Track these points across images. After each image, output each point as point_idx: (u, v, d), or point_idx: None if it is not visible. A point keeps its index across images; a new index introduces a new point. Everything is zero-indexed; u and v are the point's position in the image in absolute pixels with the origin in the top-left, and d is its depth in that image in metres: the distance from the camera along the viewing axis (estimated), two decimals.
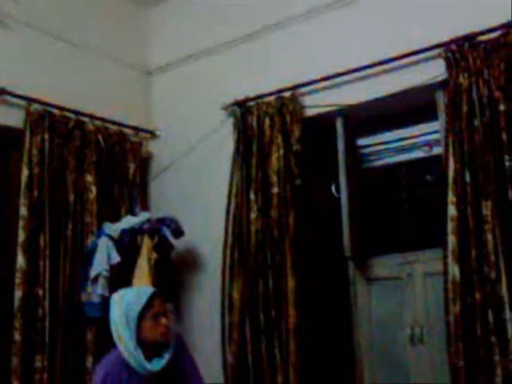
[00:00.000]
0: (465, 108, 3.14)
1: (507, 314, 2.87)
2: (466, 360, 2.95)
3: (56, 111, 3.79)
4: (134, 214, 4.05)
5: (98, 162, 3.97)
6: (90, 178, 3.89)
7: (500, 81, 3.06)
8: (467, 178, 3.07)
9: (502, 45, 3.09)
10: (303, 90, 3.77)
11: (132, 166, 4.22)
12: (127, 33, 4.49)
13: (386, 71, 3.49)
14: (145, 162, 4.41)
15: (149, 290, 2.68)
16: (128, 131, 4.28)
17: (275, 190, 3.71)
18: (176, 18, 4.49)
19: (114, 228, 3.77)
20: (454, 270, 3.03)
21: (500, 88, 3.06)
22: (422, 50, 3.34)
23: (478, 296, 2.96)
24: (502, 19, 3.10)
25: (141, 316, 2.56)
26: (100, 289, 3.58)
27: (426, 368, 3.48)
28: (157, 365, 2.57)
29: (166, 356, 2.60)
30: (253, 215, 3.74)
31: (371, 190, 3.89)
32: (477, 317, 2.95)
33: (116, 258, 3.67)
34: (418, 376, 3.51)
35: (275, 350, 3.54)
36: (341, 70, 3.60)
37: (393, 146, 3.83)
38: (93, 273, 3.60)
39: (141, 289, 2.82)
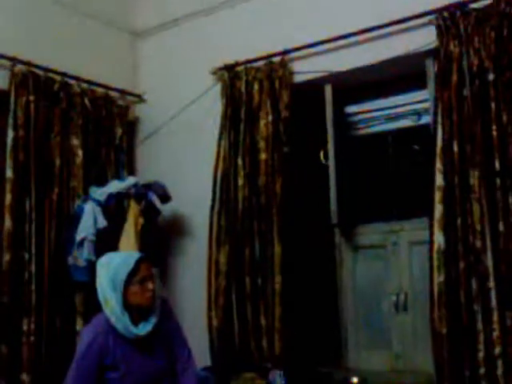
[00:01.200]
0: (454, 77, 3.13)
1: (491, 283, 2.91)
2: (449, 327, 3.00)
3: (41, 72, 3.72)
4: (120, 178, 4.02)
5: (85, 125, 3.92)
6: (76, 142, 3.85)
7: (491, 50, 3.05)
8: (455, 147, 3.07)
9: (493, 13, 3.07)
10: (293, 55, 3.73)
11: (119, 130, 4.18)
12: None
13: (376, 38, 3.46)
14: (132, 126, 4.36)
15: (135, 254, 2.69)
16: (115, 94, 4.22)
17: (263, 156, 3.70)
18: None
19: (100, 192, 3.75)
20: (439, 238, 3.05)
21: (490, 57, 3.04)
22: (413, 17, 3.31)
23: (462, 265, 2.99)
24: None
25: (127, 281, 2.57)
26: (86, 253, 3.58)
27: (409, 335, 3.54)
28: (143, 329, 2.59)
29: (152, 320, 2.62)
30: (240, 181, 3.74)
31: (359, 157, 3.89)
32: (460, 285, 2.98)
33: (102, 223, 3.66)
34: (401, 342, 3.57)
35: (260, 315, 3.58)
36: (331, 36, 3.56)
37: (381, 114, 3.81)
38: (79, 237, 3.60)
39: (127, 253, 2.83)
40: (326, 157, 3.77)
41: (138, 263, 2.60)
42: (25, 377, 3.38)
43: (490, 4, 3.09)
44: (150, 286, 2.60)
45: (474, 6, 3.14)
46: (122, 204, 3.84)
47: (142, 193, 3.83)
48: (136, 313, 2.59)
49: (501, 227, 2.91)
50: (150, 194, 3.84)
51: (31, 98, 3.62)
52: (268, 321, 3.56)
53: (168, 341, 2.72)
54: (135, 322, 2.58)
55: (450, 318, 3.00)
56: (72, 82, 3.90)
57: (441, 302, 3.02)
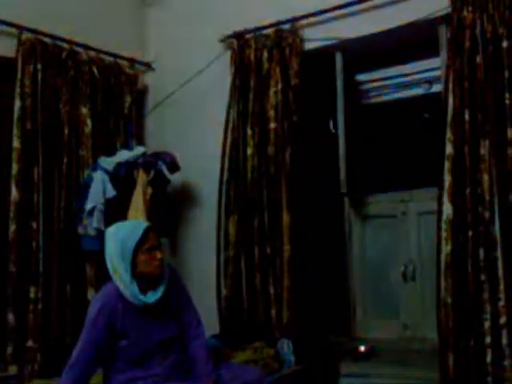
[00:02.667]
0: (467, 44, 3.07)
1: (498, 253, 2.89)
2: (455, 297, 2.99)
3: (49, 40, 3.69)
4: (129, 147, 4.01)
5: (93, 94, 3.90)
6: (84, 111, 3.83)
7: (505, 16, 2.98)
8: (466, 116, 3.03)
9: None
10: (302, 22, 3.67)
11: (128, 99, 4.15)
12: None
13: (387, 4, 3.40)
14: (141, 95, 4.34)
15: (143, 224, 2.69)
16: (123, 63, 4.19)
17: (272, 125, 3.67)
18: None
19: (109, 161, 3.74)
20: (448, 208, 3.03)
21: (504, 23, 2.97)
22: None
23: (470, 235, 2.97)
24: None
25: (136, 250, 2.58)
26: (95, 222, 3.59)
27: (417, 304, 3.54)
28: (151, 297, 2.61)
29: (161, 289, 2.63)
30: (249, 151, 3.72)
31: (369, 126, 3.85)
32: (468, 255, 2.97)
33: (111, 192, 3.66)
34: (409, 312, 3.57)
35: (269, 284, 3.59)
36: (341, 3, 3.50)
37: (392, 83, 3.77)
38: (88, 206, 3.60)
39: (135, 223, 2.83)
40: (336, 126, 3.74)
41: (145, 232, 2.61)
42: (31, 343, 3.42)
43: None
44: (158, 254, 2.61)
45: None
46: (131, 173, 3.83)
47: (150, 162, 3.82)
48: (145, 281, 2.60)
49: (510, 198, 2.88)
50: (159, 164, 3.83)
51: (38, 66, 3.59)
52: (276, 290, 3.57)
53: (177, 309, 2.74)
54: (144, 291, 2.60)
55: (456, 288, 2.99)
56: (80, 50, 3.87)
57: (448, 271, 3.01)
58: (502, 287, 2.87)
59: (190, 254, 4.10)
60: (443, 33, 3.29)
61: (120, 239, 2.59)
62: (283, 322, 3.53)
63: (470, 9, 3.08)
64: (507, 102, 2.94)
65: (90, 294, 3.66)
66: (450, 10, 3.17)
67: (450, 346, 2.98)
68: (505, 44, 2.97)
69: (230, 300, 3.71)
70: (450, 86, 3.10)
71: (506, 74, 2.96)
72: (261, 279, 3.62)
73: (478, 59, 3.03)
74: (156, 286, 2.63)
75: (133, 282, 2.57)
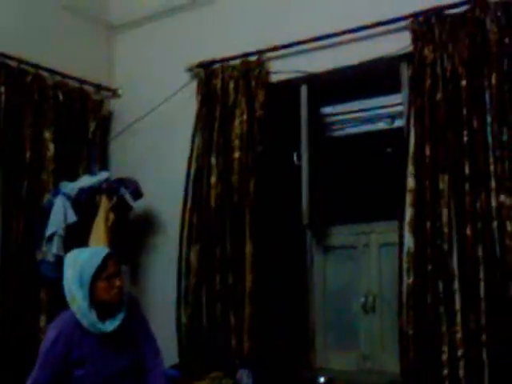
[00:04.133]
0: (428, 82, 3.16)
1: (456, 285, 2.94)
2: (416, 329, 3.03)
3: (14, 63, 3.67)
4: (92, 173, 3.98)
5: (57, 118, 3.88)
6: (47, 135, 3.80)
7: (464, 56, 3.08)
8: (427, 151, 3.10)
9: (468, 20, 3.10)
10: (269, 55, 3.73)
11: (92, 125, 4.14)
12: None
13: (352, 40, 3.47)
14: (106, 121, 4.32)
15: (103, 250, 2.66)
16: (89, 88, 4.19)
17: (237, 155, 3.69)
18: None
19: (71, 187, 3.71)
20: (409, 241, 3.09)
21: (463, 63, 3.08)
22: (389, 21, 3.33)
23: (430, 267, 3.02)
24: None
25: (95, 277, 2.54)
26: (55, 248, 3.54)
27: (377, 336, 3.56)
28: (109, 325, 2.57)
29: (119, 317, 2.60)
30: (213, 180, 3.73)
31: (332, 159, 3.90)
32: (428, 287, 3.01)
33: (72, 218, 3.62)
34: (369, 343, 3.59)
35: (230, 313, 3.58)
36: (308, 37, 3.57)
37: (356, 116, 3.84)
38: (48, 232, 3.55)
39: (95, 249, 2.80)
40: (300, 157, 3.78)
41: (105, 259, 2.58)
42: None
43: (465, 11, 3.13)
44: (117, 282, 2.58)
45: (449, 12, 3.18)
46: (94, 199, 3.80)
47: (113, 188, 3.80)
48: (103, 309, 2.56)
49: (468, 231, 2.94)
50: (122, 190, 3.81)
51: (2, 89, 3.57)
52: (237, 320, 3.55)
53: (136, 338, 2.71)
54: (102, 319, 2.56)
55: (416, 320, 3.02)
56: (45, 74, 3.85)
57: (409, 303, 3.05)
58: (459, 320, 2.91)
59: (151, 281, 4.05)
60: (405, 70, 3.37)
61: (79, 266, 2.55)
62: (243, 351, 3.51)
63: (431, 48, 3.18)
64: (465, 138, 3.02)
65: (43, 320, 3.59)
66: (411, 48, 3.26)
67: (411, 378, 3.00)
68: (463, 83, 3.07)
69: (190, 329, 3.67)
70: (412, 121, 3.18)
71: (465, 111, 3.05)
72: (222, 308, 3.60)
73: (439, 97, 3.12)
74: (115, 313, 2.60)
75: (91, 310, 2.53)
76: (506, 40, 2.99)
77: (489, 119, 2.98)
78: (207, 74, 3.89)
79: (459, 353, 2.90)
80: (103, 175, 3.87)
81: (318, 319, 3.76)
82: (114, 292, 2.56)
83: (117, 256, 2.66)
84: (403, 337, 3.06)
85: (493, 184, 2.92)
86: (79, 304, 2.53)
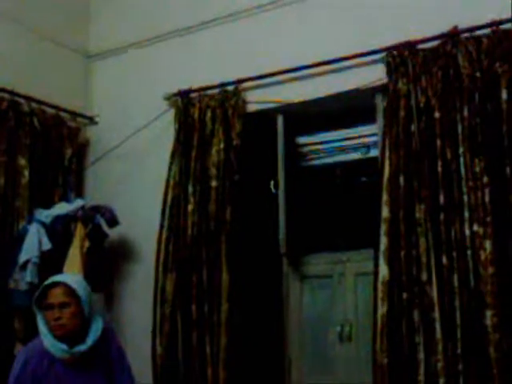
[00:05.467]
0: (402, 113, 3.22)
1: (436, 314, 2.97)
2: (390, 358, 3.04)
3: None
4: (68, 200, 3.96)
5: (33, 145, 3.86)
6: (23, 162, 3.78)
7: (437, 89, 3.16)
8: (401, 181, 3.15)
9: (440, 54, 3.19)
10: (246, 85, 3.78)
11: (68, 152, 4.12)
12: (69, 14, 4.37)
13: (328, 72, 3.54)
14: (82, 148, 4.31)
15: (53, 279, 2.62)
16: (66, 116, 4.18)
17: (214, 183, 3.70)
18: (121, 4, 4.41)
19: (46, 214, 3.68)
20: (384, 270, 3.11)
21: (437, 96, 3.15)
22: (364, 54, 3.41)
23: (405, 296, 3.04)
24: (442, 29, 3.20)
25: (39, 306, 2.56)
26: (29, 276, 3.49)
27: (353, 365, 3.56)
28: (75, 350, 2.54)
29: (88, 342, 2.57)
30: (190, 208, 3.73)
31: (309, 188, 3.94)
32: (403, 316, 3.03)
33: (47, 245, 3.58)
34: (345, 373, 3.59)
35: (206, 343, 3.55)
36: (284, 68, 3.62)
37: (331, 146, 3.89)
38: (22, 259, 3.51)
39: (55, 277, 2.72)
40: (276, 186, 3.81)
41: (45, 289, 2.56)
42: None
43: (437, 45, 3.21)
44: (55, 314, 2.53)
45: (422, 46, 3.26)
46: (69, 226, 3.78)
47: (89, 216, 3.78)
48: (66, 338, 2.54)
49: (444, 260, 2.98)
50: (98, 218, 3.79)
51: None
52: (213, 349, 3.52)
53: (109, 367, 2.67)
54: (70, 345, 2.53)
55: (391, 349, 3.03)
56: (21, 101, 3.84)
57: (383, 332, 3.06)
58: (440, 349, 2.93)
59: (126, 310, 4.01)
60: (380, 101, 3.44)
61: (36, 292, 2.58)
62: (219, 381, 3.47)
63: (405, 81, 3.26)
64: (439, 169, 3.08)
65: (18, 349, 3.51)
66: (386, 80, 3.33)
67: None
68: (437, 115, 3.14)
69: (165, 359, 3.63)
70: (387, 152, 3.24)
71: (438, 142, 3.11)
72: (197, 338, 3.58)
73: (413, 128, 3.19)
74: (82, 340, 2.56)
75: (49, 336, 2.53)
76: (477, 74, 3.08)
77: (462, 150, 3.04)
78: (184, 103, 3.91)
79: (441, 382, 2.90)
80: (79, 203, 3.86)
81: (294, 348, 3.75)
82: (53, 324, 2.53)
83: (65, 286, 2.58)
84: (377, 365, 3.06)
85: (466, 214, 2.97)
86: (39, 328, 2.55)
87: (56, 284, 2.58)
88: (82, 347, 2.55)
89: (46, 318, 2.56)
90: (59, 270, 3.48)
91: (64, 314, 2.54)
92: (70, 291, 2.58)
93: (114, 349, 2.73)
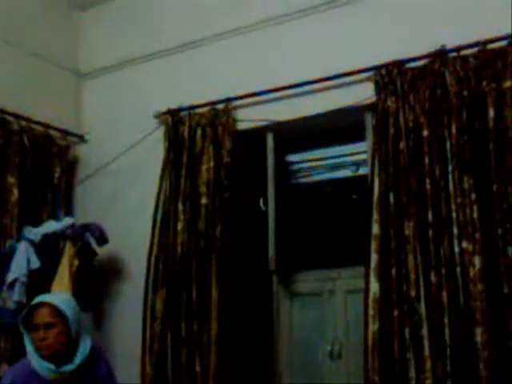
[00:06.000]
0: (391, 131, 3.25)
1: (424, 332, 2.97)
2: (382, 376, 3.03)
3: None
4: (57, 218, 3.94)
5: (22, 163, 3.85)
6: (12, 180, 3.77)
7: (425, 107, 3.19)
8: (391, 198, 3.17)
9: (428, 73, 3.23)
10: (236, 103, 3.80)
11: (58, 170, 4.11)
12: (60, 33, 4.40)
13: (318, 90, 3.57)
14: (71, 166, 4.30)
15: (39, 299, 2.62)
16: (55, 134, 4.17)
17: (204, 201, 3.71)
18: (111, 23, 4.42)
19: (35, 232, 3.66)
20: (375, 287, 3.12)
21: (425, 114, 3.18)
22: (354, 73, 3.44)
23: (396, 313, 3.04)
24: (429, 48, 3.24)
25: (25, 326, 2.55)
26: (17, 295, 3.46)
27: (344, 383, 3.54)
28: (62, 369, 2.52)
29: (76, 361, 2.55)
30: (180, 226, 3.72)
31: (299, 205, 3.95)
32: (394, 334, 3.03)
33: (36, 263, 3.56)
34: None
35: (196, 362, 3.52)
36: (275, 86, 3.65)
37: (321, 164, 3.91)
38: (10, 278, 3.48)
39: (42, 296, 2.71)
40: (266, 204, 3.82)
41: (31, 309, 2.55)
42: None
43: (425, 64, 3.25)
44: (41, 335, 2.52)
45: (410, 65, 3.30)
46: (58, 245, 3.76)
47: (78, 234, 3.76)
48: (53, 358, 2.52)
49: (432, 277, 2.99)
50: (87, 236, 3.78)
51: None
52: (203, 368, 3.50)
53: None
54: (58, 364, 2.52)
55: (383, 367, 3.03)
56: (11, 119, 3.84)
57: (374, 350, 3.05)
58: (428, 366, 2.92)
59: (115, 328, 3.98)
60: (369, 119, 3.47)
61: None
62: None
63: (393, 99, 3.29)
64: (428, 186, 3.10)
65: (4, 369, 3.47)
66: (375, 98, 3.37)
67: None
68: (425, 133, 3.17)
69: (155, 378, 3.60)
70: (376, 169, 3.26)
71: (427, 160, 3.13)
72: (187, 356, 3.55)
73: (402, 146, 3.21)
74: (70, 359, 2.54)
75: (35, 355, 2.52)
76: (465, 92, 3.12)
77: (450, 168, 3.07)
78: (174, 121, 3.93)
79: None
80: (68, 221, 3.84)
81: (284, 366, 3.73)
82: (38, 344, 2.52)
83: (50, 305, 2.58)
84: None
85: (455, 230, 2.99)
86: (27, 347, 2.54)
87: (42, 304, 2.57)
88: (70, 367, 2.54)
89: (32, 338, 2.54)
90: (48, 289, 3.46)
91: (50, 335, 2.53)
92: (56, 311, 2.57)
93: (103, 368, 2.73)
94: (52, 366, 2.51)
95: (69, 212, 4.13)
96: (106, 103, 4.36)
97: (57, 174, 4.11)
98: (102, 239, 3.80)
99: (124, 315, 3.95)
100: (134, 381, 3.59)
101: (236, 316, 3.61)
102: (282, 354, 3.75)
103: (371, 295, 3.11)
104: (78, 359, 2.56)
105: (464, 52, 3.16)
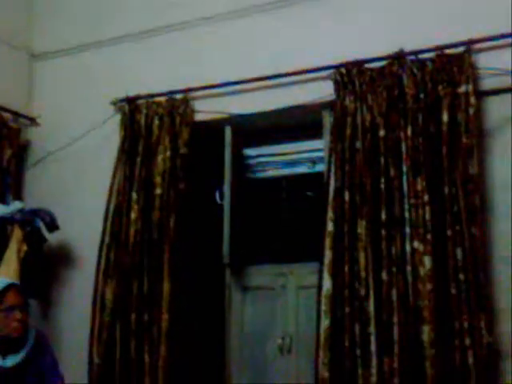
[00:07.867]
0: (348, 130, 3.29)
1: (372, 329, 3.03)
2: (332, 371, 3.07)
3: None
4: (5, 202, 3.85)
5: None
6: None
7: (382, 108, 3.24)
8: (346, 196, 3.21)
9: (386, 74, 3.28)
10: (195, 94, 3.78)
11: (8, 153, 4.01)
12: (13, 11, 4.26)
13: (277, 86, 3.58)
14: (22, 150, 4.19)
15: (4, 281, 2.58)
16: (6, 115, 4.06)
17: (158, 191, 3.68)
18: (68, 5, 4.32)
19: None
20: (328, 283, 3.16)
21: (382, 114, 3.24)
22: (313, 70, 3.46)
23: (347, 310, 3.09)
24: (389, 50, 3.29)
25: None
26: None
27: (293, 378, 3.58)
28: (9, 361, 2.49)
29: (22, 353, 2.52)
30: (133, 215, 3.69)
31: (254, 200, 3.96)
32: (345, 330, 3.08)
33: None
34: None
35: (145, 353, 3.51)
36: (234, 79, 3.64)
37: (278, 159, 3.93)
38: None
39: (2, 280, 2.68)
40: (222, 197, 3.82)
41: (5, 291, 2.50)
42: None
43: (384, 66, 3.30)
44: (18, 315, 2.50)
45: (369, 65, 3.34)
46: (5, 229, 3.67)
47: (27, 219, 3.68)
48: (4, 344, 2.47)
49: (384, 276, 3.05)
50: (37, 221, 3.71)
51: None
52: (152, 359, 3.49)
53: (41, 376, 2.62)
54: (4, 354, 2.46)
55: (333, 363, 3.07)
56: None
57: (326, 346, 3.10)
58: (374, 363, 2.99)
59: (63, 317, 3.91)
60: (327, 117, 3.50)
61: None
62: None
63: (352, 98, 3.33)
64: (382, 186, 3.16)
65: None
66: (334, 97, 3.40)
67: None
68: (381, 133, 3.22)
69: (102, 368, 3.56)
70: (332, 167, 3.30)
71: (382, 160, 3.19)
72: (136, 347, 3.53)
73: (358, 145, 3.26)
74: (18, 349, 2.51)
75: None
76: (422, 95, 3.18)
77: (404, 168, 3.13)
78: (131, 109, 3.88)
79: None
80: (17, 205, 3.76)
81: (234, 359, 3.75)
82: (14, 325, 2.50)
83: (23, 289, 2.57)
84: (319, 379, 3.10)
85: (407, 230, 3.05)
86: None
87: (14, 286, 2.55)
88: (17, 358, 2.50)
89: (1, 322, 2.49)
90: None
91: (24, 316, 2.53)
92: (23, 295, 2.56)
93: (48, 357, 2.69)
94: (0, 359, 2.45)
95: (18, 196, 4.03)
96: (61, 87, 4.25)
97: (6, 157, 4.00)
98: (53, 225, 3.74)
99: (72, 304, 3.89)
100: (81, 370, 3.55)
101: (187, 308, 3.60)
102: (232, 347, 3.76)
103: (324, 291, 3.16)
104: (24, 351, 2.52)
105: (422, 56, 3.23)
